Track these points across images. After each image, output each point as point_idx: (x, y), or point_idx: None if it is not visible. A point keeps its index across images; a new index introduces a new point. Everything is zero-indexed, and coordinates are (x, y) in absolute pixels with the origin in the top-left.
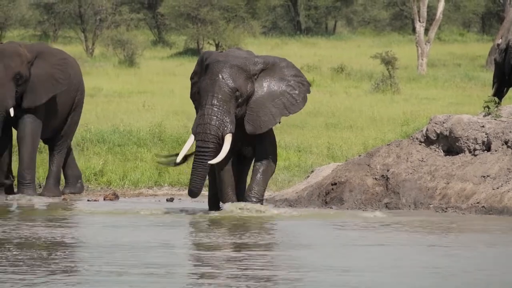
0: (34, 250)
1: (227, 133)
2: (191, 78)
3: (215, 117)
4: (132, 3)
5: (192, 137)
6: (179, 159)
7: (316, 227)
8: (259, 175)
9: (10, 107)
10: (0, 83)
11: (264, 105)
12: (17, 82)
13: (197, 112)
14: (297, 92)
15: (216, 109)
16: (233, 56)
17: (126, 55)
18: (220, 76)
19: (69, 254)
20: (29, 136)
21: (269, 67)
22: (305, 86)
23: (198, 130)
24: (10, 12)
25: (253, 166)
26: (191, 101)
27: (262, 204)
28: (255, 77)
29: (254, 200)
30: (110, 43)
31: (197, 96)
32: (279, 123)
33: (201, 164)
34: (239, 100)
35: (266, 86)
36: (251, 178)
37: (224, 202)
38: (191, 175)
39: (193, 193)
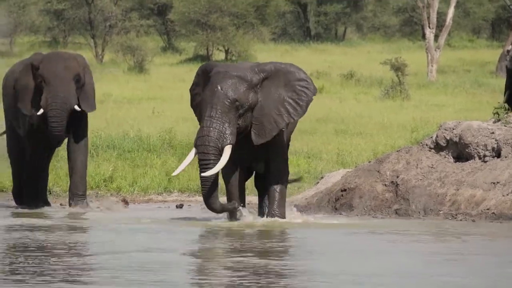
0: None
1: (227, 145)
2: (192, 90)
3: (213, 129)
4: (142, 10)
5: (193, 150)
6: (177, 172)
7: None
8: (277, 195)
9: (74, 105)
10: (65, 83)
11: (269, 113)
12: (77, 83)
13: (200, 123)
14: (300, 97)
15: (215, 121)
16: (234, 67)
17: (136, 61)
18: (219, 87)
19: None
20: (85, 147)
21: (273, 75)
22: (310, 90)
23: (198, 143)
24: (20, 19)
25: (268, 185)
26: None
27: None
28: (258, 86)
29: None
30: (120, 49)
31: (198, 108)
32: (285, 128)
33: (205, 177)
34: (240, 110)
35: (269, 94)
36: (270, 199)
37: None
38: (201, 190)
39: (209, 207)
